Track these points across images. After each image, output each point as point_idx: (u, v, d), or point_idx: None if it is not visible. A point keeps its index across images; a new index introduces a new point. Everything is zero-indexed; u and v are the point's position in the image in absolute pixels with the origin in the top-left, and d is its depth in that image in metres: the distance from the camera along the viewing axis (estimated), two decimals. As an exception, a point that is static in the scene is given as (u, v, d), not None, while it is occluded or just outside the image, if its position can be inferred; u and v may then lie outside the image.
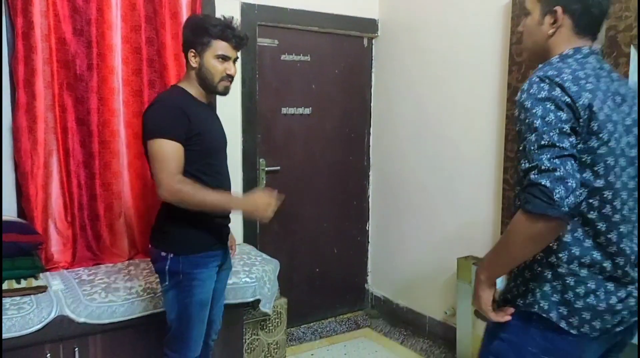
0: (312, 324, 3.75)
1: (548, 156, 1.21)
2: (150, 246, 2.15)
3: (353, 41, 3.76)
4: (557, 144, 1.22)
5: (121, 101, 2.80)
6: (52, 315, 2.21)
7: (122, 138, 2.82)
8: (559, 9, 1.38)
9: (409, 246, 3.65)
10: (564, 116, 1.24)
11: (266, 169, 3.44)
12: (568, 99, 1.25)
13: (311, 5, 3.45)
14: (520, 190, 1.28)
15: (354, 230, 3.96)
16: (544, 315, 1.35)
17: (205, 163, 2.04)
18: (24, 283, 2.30)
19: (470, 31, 3.09)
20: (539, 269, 1.37)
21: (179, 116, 1.94)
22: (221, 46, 2.02)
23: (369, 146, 3.93)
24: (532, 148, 1.24)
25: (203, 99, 2.11)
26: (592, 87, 1.29)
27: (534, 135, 1.24)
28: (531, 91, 1.29)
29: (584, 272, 1.33)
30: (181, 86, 2.09)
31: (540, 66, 1.40)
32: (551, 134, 1.22)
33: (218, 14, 3.05)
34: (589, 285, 1.33)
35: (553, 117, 1.23)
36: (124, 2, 2.76)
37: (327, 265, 3.84)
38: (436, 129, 3.38)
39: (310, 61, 3.58)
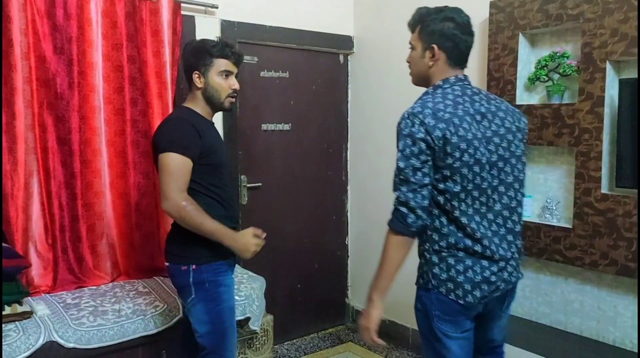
0: (295, 340, 3.74)
1: (405, 190, 1.63)
2: (166, 264, 2.15)
3: (329, 57, 3.81)
4: (411, 180, 1.62)
5: (102, 120, 2.75)
6: (40, 342, 2.13)
7: (104, 157, 2.77)
8: (435, 46, 1.76)
9: (389, 259, 3.67)
10: (416, 150, 1.62)
11: (248, 185, 3.43)
12: (423, 135, 1.61)
13: (289, 22, 3.49)
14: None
15: (333, 245, 3.98)
16: (437, 290, 1.73)
17: (215, 176, 2.11)
18: (8, 310, 2.22)
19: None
20: (429, 256, 1.75)
21: (192, 133, 2.02)
22: (223, 63, 2.12)
23: (347, 160, 3.97)
24: (396, 179, 1.66)
25: (209, 117, 2.19)
26: (448, 116, 1.64)
27: (397, 169, 1.65)
28: (401, 125, 1.66)
29: (461, 253, 1.69)
30: (188, 106, 2.16)
31: (421, 95, 1.79)
32: (407, 171, 1.62)
33: (198, 32, 3.08)
34: (466, 262, 1.68)
35: (409, 152, 1.62)
36: (105, 20, 2.72)
37: (308, 281, 3.84)
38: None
39: (288, 77, 3.61)
